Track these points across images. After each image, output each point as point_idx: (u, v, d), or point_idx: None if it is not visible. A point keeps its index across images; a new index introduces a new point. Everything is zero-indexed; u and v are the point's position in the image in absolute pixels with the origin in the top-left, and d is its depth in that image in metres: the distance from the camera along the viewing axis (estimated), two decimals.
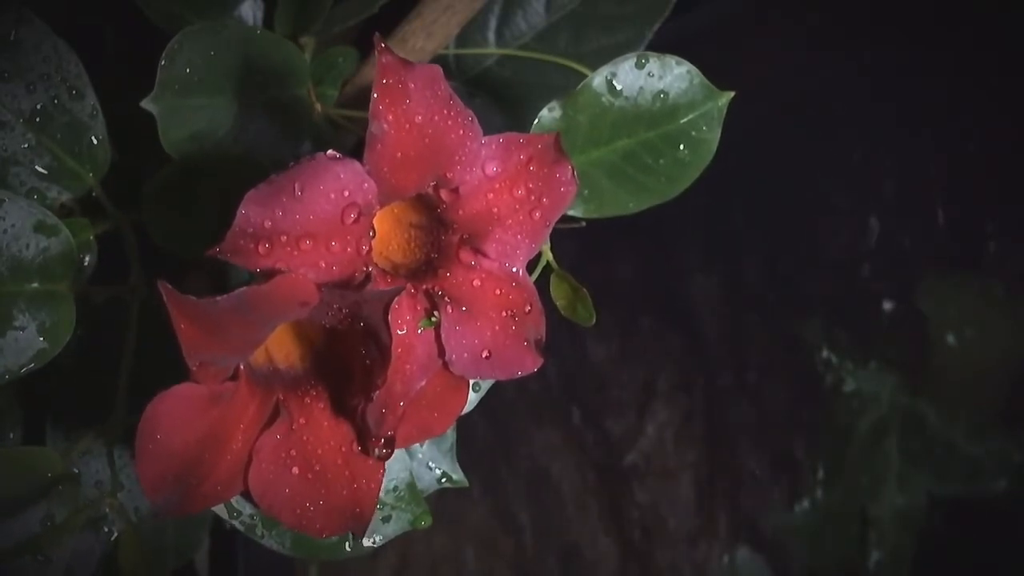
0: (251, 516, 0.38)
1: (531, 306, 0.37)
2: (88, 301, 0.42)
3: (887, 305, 0.95)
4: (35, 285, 0.39)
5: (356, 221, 0.32)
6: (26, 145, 0.42)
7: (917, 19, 0.90)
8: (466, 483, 0.42)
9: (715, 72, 0.42)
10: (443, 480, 0.42)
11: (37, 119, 0.42)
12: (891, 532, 0.93)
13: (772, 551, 0.93)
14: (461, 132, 0.34)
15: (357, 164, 0.32)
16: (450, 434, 0.41)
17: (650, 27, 0.55)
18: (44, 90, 0.42)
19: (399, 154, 0.33)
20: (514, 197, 0.36)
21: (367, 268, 0.33)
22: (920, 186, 0.95)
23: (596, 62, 0.43)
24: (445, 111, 0.33)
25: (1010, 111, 0.91)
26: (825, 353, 0.95)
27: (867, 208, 0.95)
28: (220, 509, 0.38)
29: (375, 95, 0.32)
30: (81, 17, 0.51)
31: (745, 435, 0.94)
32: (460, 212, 0.35)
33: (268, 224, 0.31)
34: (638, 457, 0.92)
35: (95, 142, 0.43)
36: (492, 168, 0.35)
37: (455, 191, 0.35)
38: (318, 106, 0.46)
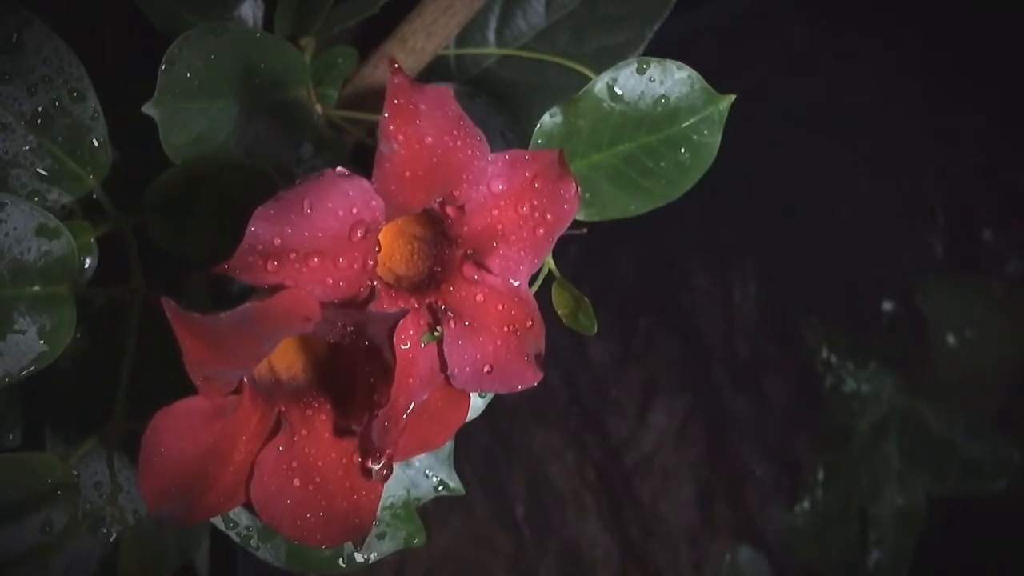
0: (247, 527, 0.38)
1: (532, 321, 0.37)
2: (88, 303, 0.42)
3: (887, 305, 0.95)
4: (36, 288, 0.39)
5: (363, 237, 0.32)
6: (27, 147, 0.42)
7: (917, 19, 0.90)
8: (463, 491, 0.42)
9: (715, 72, 0.41)
10: (440, 488, 0.42)
11: (38, 121, 0.42)
12: (891, 532, 0.92)
13: (772, 551, 0.93)
14: (469, 152, 0.34)
15: (365, 182, 0.32)
16: (448, 442, 0.41)
17: (650, 27, 0.55)
18: (45, 92, 0.42)
19: (407, 173, 0.33)
20: (519, 214, 0.36)
21: (371, 282, 0.33)
22: (920, 186, 0.95)
23: (596, 62, 0.43)
24: (455, 131, 0.33)
25: (1010, 111, 0.91)
26: (825, 353, 0.94)
27: (867, 208, 0.95)
28: (217, 520, 0.38)
29: (385, 115, 0.32)
30: (82, 18, 0.51)
31: (745, 435, 0.94)
32: (465, 228, 0.35)
33: (277, 241, 0.31)
34: (638, 457, 0.92)
35: (96, 144, 0.43)
36: (498, 185, 0.35)
37: (461, 208, 0.35)
38: (318, 107, 0.46)
